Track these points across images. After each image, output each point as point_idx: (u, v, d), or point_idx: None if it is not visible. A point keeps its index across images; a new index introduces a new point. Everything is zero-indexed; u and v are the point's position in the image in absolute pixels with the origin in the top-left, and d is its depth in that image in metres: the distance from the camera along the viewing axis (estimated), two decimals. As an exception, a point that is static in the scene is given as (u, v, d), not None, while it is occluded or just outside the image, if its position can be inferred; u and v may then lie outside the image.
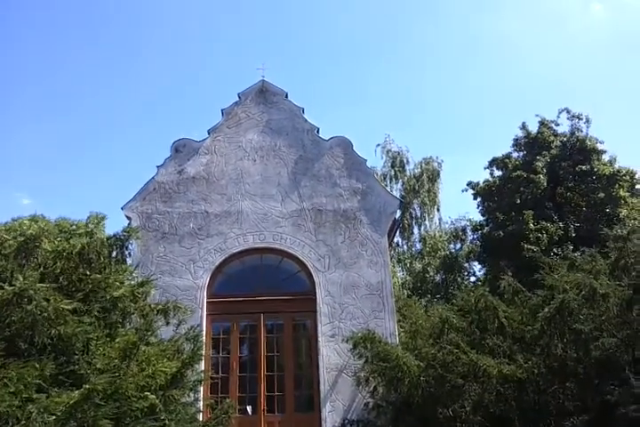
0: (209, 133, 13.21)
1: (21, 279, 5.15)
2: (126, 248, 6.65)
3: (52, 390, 4.96)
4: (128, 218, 12.28)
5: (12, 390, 4.55)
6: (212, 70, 43.98)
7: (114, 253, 6.57)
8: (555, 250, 17.29)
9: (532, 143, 21.15)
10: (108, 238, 6.54)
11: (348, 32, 43.18)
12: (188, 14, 41.02)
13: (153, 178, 12.68)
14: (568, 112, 20.98)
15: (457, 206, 48.73)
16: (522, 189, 19.84)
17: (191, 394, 8.24)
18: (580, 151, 20.26)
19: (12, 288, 5.12)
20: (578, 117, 20.67)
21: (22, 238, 6.07)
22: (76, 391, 4.85)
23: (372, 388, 10.18)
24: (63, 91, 40.10)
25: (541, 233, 17.95)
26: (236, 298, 11.63)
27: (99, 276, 6.11)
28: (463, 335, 9.36)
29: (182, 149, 13.01)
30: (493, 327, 9.63)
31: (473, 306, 9.72)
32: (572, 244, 17.44)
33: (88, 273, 6.08)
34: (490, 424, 8.73)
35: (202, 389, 10.01)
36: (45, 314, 5.17)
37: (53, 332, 5.27)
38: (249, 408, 10.72)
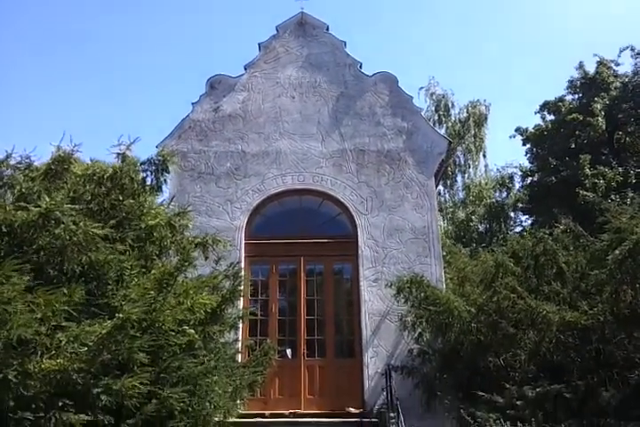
0: (245, 69, 12.48)
1: (47, 200, 4.68)
2: (162, 174, 6.14)
3: (84, 320, 4.56)
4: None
5: (38, 316, 4.16)
6: (248, 1, 41.93)
7: (148, 180, 6.08)
8: (613, 197, 16.21)
9: (590, 84, 19.70)
10: (141, 163, 6.03)
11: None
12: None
13: (188, 115, 12.10)
14: (632, 50, 19.39)
15: (503, 155, 46.64)
16: (577, 132, 18.62)
17: (230, 334, 7.90)
18: (643, 92, 18.71)
19: (37, 209, 4.66)
20: (643, 55, 19.11)
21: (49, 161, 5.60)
22: (109, 321, 4.43)
23: (417, 334, 9.74)
24: (89, 30, 38.73)
25: (598, 179, 16.88)
26: (274, 240, 11.17)
27: (132, 201, 5.63)
28: (518, 282, 8.75)
29: (218, 86, 12.33)
30: (551, 273, 9.03)
31: (529, 251, 9.08)
32: (632, 190, 16.33)
33: (121, 199, 5.60)
34: (545, 375, 8.21)
35: (240, 330, 9.76)
36: (75, 239, 4.71)
37: (84, 259, 4.82)
38: (288, 351, 10.42)
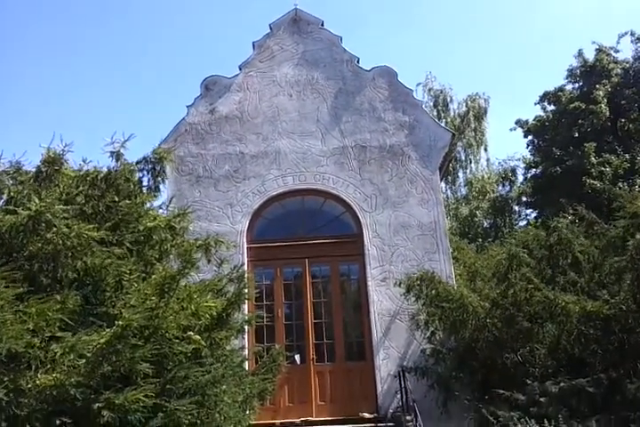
0: (240, 69, 12.21)
1: (37, 201, 4.36)
2: (159, 173, 5.83)
3: (81, 329, 4.23)
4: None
5: (30, 327, 3.84)
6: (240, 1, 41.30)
7: (145, 180, 5.77)
8: (620, 184, 15.89)
9: (590, 72, 19.36)
10: (137, 162, 5.72)
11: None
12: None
13: (183, 119, 11.82)
14: (632, 35, 19.09)
15: (504, 148, 46.00)
16: (580, 121, 18.26)
17: (237, 341, 7.59)
18: (646, 77, 18.42)
19: (26, 212, 4.34)
20: (643, 40, 18.81)
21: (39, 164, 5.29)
22: (108, 329, 4.10)
23: (429, 333, 9.45)
24: (77, 33, 37.94)
25: (604, 167, 16.55)
26: (278, 243, 10.88)
27: (128, 202, 5.31)
28: (532, 273, 8.44)
29: (213, 87, 12.05)
30: (566, 263, 8.73)
31: (543, 241, 8.78)
32: (640, 177, 16.03)
33: (116, 200, 5.29)
34: (565, 369, 7.90)
35: (247, 336, 9.44)
36: (68, 243, 4.39)
37: (79, 264, 4.50)
38: (297, 357, 10.10)
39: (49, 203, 4.35)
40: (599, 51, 19.67)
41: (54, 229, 4.35)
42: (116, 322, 4.12)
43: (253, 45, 12.33)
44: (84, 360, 3.99)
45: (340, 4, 38.62)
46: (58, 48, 38.93)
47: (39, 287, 4.49)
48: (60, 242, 4.38)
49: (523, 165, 22.27)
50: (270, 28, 12.41)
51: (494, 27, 40.70)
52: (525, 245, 9.60)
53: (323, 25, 12.41)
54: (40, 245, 4.42)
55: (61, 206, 4.47)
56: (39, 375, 3.84)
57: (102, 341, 3.99)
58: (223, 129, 11.69)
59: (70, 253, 4.44)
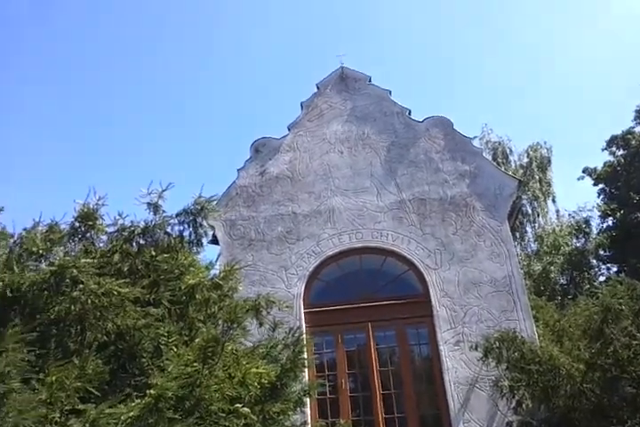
0: (289, 129, 12.00)
1: (61, 255, 3.88)
2: (200, 226, 5.33)
3: (108, 399, 3.57)
4: (212, 227, 11.09)
5: (43, 398, 3.21)
6: (287, 65, 42.36)
7: (186, 235, 5.25)
8: None
9: (662, 112, 18.39)
10: (177, 215, 5.23)
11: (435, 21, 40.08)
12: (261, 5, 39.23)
13: (234, 182, 11.56)
14: None
15: (571, 199, 44.09)
16: (658, 163, 17.12)
17: (297, 416, 6.72)
18: None
19: (49, 268, 3.86)
20: None
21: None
22: (138, 401, 3.44)
23: (514, 402, 8.27)
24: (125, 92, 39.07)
25: (693, 210, 15.23)
26: (337, 306, 10.10)
27: (167, 255, 4.77)
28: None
29: (262, 149, 11.84)
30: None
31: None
32: None
33: (154, 254, 4.77)
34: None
35: (308, 411, 8.53)
36: (97, 301, 3.85)
37: (110, 326, 3.92)
38: (366, 434, 9.03)
39: (74, 257, 3.85)
40: (669, 90, 18.77)
41: (80, 286, 3.83)
42: (149, 391, 3.45)
43: (301, 106, 12.18)
44: (109, 439, 3.32)
45: (386, 60, 38.94)
46: (105, 106, 39.70)
47: (65, 353, 3.92)
48: (89, 301, 3.84)
49: (597, 215, 20.80)
50: (317, 88, 12.28)
51: (549, 73, 40.14)
52: (616, 299, 8.48)
53: (370, 80, 12.19)
54: (67, 305, 3.89)
55: (87, 260, 3.95)
56: (55, 460, 3.19)
57: (132, 414, 3.32)
58: (274, 190, 11.33)
59: (99, 314, 3.88)
